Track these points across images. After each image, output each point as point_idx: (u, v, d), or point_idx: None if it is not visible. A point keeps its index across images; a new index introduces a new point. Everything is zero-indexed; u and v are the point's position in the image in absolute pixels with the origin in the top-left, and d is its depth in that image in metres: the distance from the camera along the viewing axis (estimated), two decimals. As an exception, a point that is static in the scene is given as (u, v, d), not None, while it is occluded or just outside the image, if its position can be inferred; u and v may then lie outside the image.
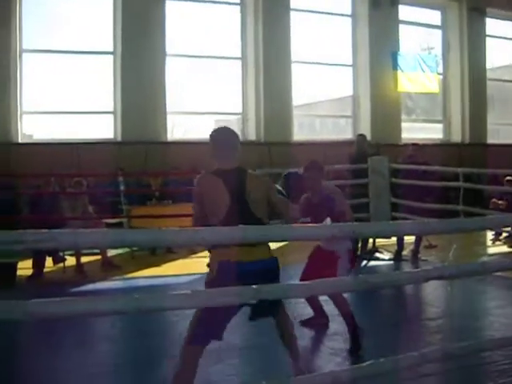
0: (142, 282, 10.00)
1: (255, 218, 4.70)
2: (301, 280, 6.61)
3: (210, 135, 5.07)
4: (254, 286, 3.48)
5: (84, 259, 10.89)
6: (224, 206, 4.66)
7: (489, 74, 22.08)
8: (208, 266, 4.83)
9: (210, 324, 4.54)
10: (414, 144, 13.02)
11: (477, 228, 5.15)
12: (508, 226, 9.81)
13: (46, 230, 2.84)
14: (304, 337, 6.75)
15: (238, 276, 4.34)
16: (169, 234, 3.35)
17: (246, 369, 6.08)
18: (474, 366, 5.56)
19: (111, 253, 11.58)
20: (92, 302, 3.14)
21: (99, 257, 11.28)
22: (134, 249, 12.29)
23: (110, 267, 11.03)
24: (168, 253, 12.41)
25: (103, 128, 16.55)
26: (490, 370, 5.59)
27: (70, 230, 2.96)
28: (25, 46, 15.58)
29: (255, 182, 4.89)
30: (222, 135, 5.08)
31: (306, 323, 7.31)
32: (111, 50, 16.42)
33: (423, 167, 12.23)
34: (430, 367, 5.00)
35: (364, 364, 4.20)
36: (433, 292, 9.21)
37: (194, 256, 12.25)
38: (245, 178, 4.85)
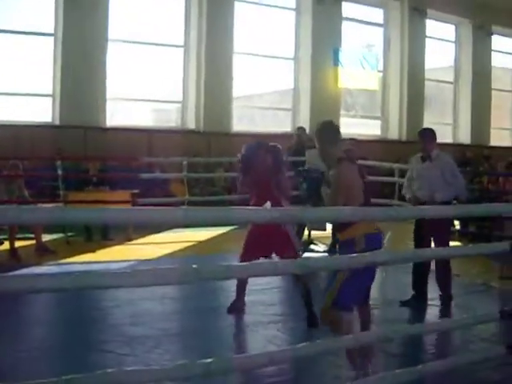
0: (76, 268, 9.88)
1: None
2: (242, 259, 6.76)
3: (321, 128, 5.67)
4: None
5: (18, 243, 10.74)
6: (361, 190, 5.30)
7: (427, 75, 22.52)
8: (340, 240, 5.35)
9: (355, 289, 5.07)
10: (351, 139, 13.17)
11: (412, 216, 5.33)
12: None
13: (-11, 206, 2.84)
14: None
15: (377, 245, 5.04)
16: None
17: (183, 354, 6.10)
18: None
19: (46, 238, 11.44)
20: (31, 279, 3.13)
21: (33, 241, 11.13)
22: (69, 234, 12.20)
23: (44, 252, 10.88)
24: (104, 239, 12.31)
25: (42, 111, 16.27)
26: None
27: (14, 206, 2.92)
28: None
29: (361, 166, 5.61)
30: (330, 126, 5.68)
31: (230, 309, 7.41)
32: (52, 31, 16.15)
33: (360, 162, 12.37)
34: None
35: (298, 346, 4.30)
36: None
37: (130, 243, 12.20)
38: (358, 163, 5.60)
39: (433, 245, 7.87)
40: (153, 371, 3.51)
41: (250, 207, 4.39)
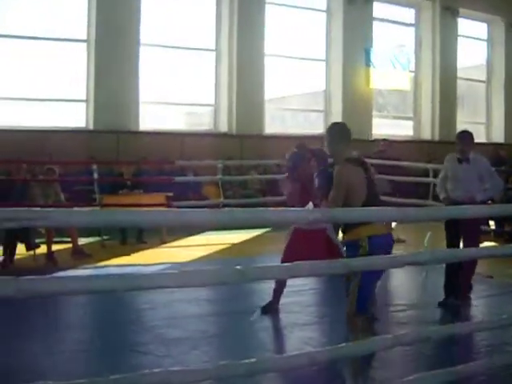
0: (112, 270, 9.97)
1: (379, 198, 5.44)
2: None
3: (332, 129, 5.52)
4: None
5: (55, 247, 10.85)
6: (365, 191, 5.16)
7: (459, 74, 22.36)
8: (344, 241, 5.46)
9: (370, 290, 5.11)
10: (384, 139, 13.16)
11: (450, 216, 5.30)
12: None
13: (38, 208, 2.89)
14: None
15: (383, 247, 4.99)
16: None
17: (220, 355, 6.13)
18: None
19: (82, 241, 11.56)
20: (86, 280, 3.18)
21: (70, 245, 11.24)
22: (105, 237, 12.30)
23: (80, 255, 10.99)
24: (139, 242, 12.40)
25: (75, 116, 16.45)
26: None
27: (62, 209, 2.98)
28: (-2, 32, 15.46)
29: (370, 168, 5.44)
30: (342, 128, 5.53)
31: (264, 309, 7.42)
32: (85, 37, 16.33)
33: (393, 162, 12.35)
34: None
35: (340, 346, 4.30)
36: (400, 284, 9.41)
37: (164, 246, 12.27)
38: (367, 164, 5.38)
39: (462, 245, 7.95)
40: (195, 371, 3.54)
41: (293, 209, 4.40)
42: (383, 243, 5.05)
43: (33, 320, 7.03)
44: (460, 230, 7.83)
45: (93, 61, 16.18)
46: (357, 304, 4.99)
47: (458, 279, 8.13)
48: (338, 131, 5.49)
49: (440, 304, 8.01)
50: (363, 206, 4.97)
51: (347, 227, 5.17)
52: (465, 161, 8.13)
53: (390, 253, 5.18)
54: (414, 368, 5.59)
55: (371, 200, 5.07)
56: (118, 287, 3.10)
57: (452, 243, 7.98)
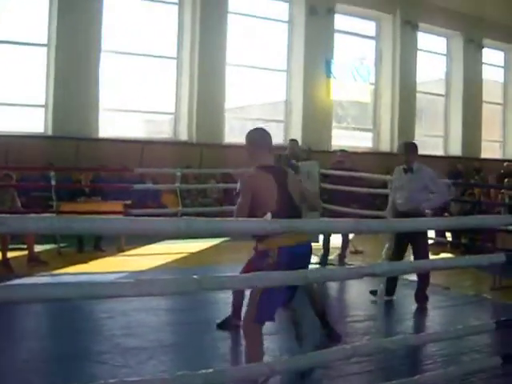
0: (69, 278, 9.83)
1: (298, 209, 5.24)
2: None
3: (250, 135, 5.52)
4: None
5: (10, 254, 10.68)
6: (274, 199, 5.06)
7: (418, 87, 22.64)
8: (256, 249, 5.37)
9: (269, 305, 4.96)
10: (341, 150, 13.20)
11: (407, 228, 5.34)
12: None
13: (-5, 215, 2.84)
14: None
15: (295, 258, 4.91)
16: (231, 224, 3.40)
17: (178, 365, 6.08)
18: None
19: (38, 248, 11.40)
20: (42, 287, 3.13)
21: (26, 252, 11.08)
22: (62, 245, 12.15)
23: (36, 263, 10.83)
24: (96, 250, 12.27)
25: (34, 122, 16.26)
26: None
27: (19, 216, 2.93)
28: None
29: (291, 177, 5.35)
30: (261, 135, 5.51)
31: (222, 325, 7.31)
32: (45, 42, 16.17)
33: (351, 173, 12.42)
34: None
35: (298, 356, 4.30)
36: (358, 296, 9.45)
37: (122, 254, 12.16)
38: (286, 173, 5.33)
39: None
40: (152, 382, 3.50)
41: (253, 219, 4.39)
42: (296, 253, 4.95)
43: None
44: (410, 240, 8.30)
45: (53, 66, 16.02)
46: (256, 313, 4.97)
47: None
48: (253, 137, 5.46)
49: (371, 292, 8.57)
50: (276, 215, 4.86)
51: (259, 237, 5.12)
52: (409, 171, 8.44)
53: (306, 263, 5.18)
54: (373, 379, 5.62)
55: (286, 209, 5.00)
56: (74, 295, 3.05)
57: (399, 252, 8.46)
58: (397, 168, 8.94)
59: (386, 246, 9.13)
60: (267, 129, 5.69)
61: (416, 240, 8.19)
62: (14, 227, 2.93)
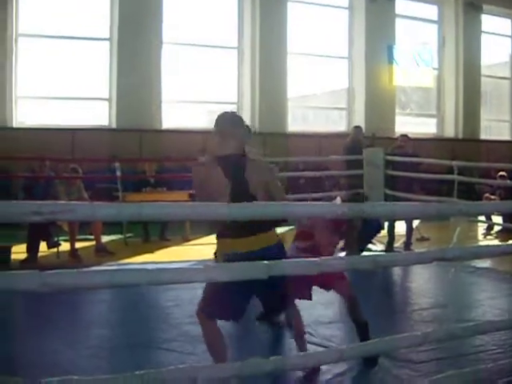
0: (135, 268, 9.95)
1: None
2: None
3: (218, 122, 4.89)
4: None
5: (78, 244, 10.88)
6: (225, 191, 4.54)
7: (483, 71, 22.18)
8: (215, 254, 4.92)
9: (215, 302, 4.65)
10: (402, 135, 12.98)
11: (473, 212, 5.19)
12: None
13: (63, 202, 2.87)
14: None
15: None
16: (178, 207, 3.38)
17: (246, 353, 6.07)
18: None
19: (105, 239, 11.58)
20: (108, 274, 3.16)
21: (93, 243, 11.27)
22: (128, 235, 12.31)
23: (103, 253, 11.01)
24: (162, 240, 12.40)
25: (98, 114, 16.53)
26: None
27: (85, 203, 2.96)
28: (21, 31, 15.55)
29: (255, 167, 4.75)
30: (220, 121, 4.90)
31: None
32: (107, 36, 16.39)
33: (415, 159, 12.25)
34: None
35: (370, 342, 4.26)
36: (426, 283, 9.33)
37: (187, 244, 12.26)
38: (244, 163, 4.72)
39: None
40: (222, 367, 3.51)
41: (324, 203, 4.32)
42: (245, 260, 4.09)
43: (57, 316, 7.03)
44: None
45: (115, 59, 16.23)
46: (201, 304, 4.81)
47: None
48: (216, 123, 4.87)
49: None
50: None
51: (217, 234, 4.71)
52: None
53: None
54: (441, 368, 5.52)
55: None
56: (142, 281, 3.07)
57: None
58: None
59: (458, 229, 8.90)
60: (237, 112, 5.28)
61: None
62: (82, 214, 2.96)
